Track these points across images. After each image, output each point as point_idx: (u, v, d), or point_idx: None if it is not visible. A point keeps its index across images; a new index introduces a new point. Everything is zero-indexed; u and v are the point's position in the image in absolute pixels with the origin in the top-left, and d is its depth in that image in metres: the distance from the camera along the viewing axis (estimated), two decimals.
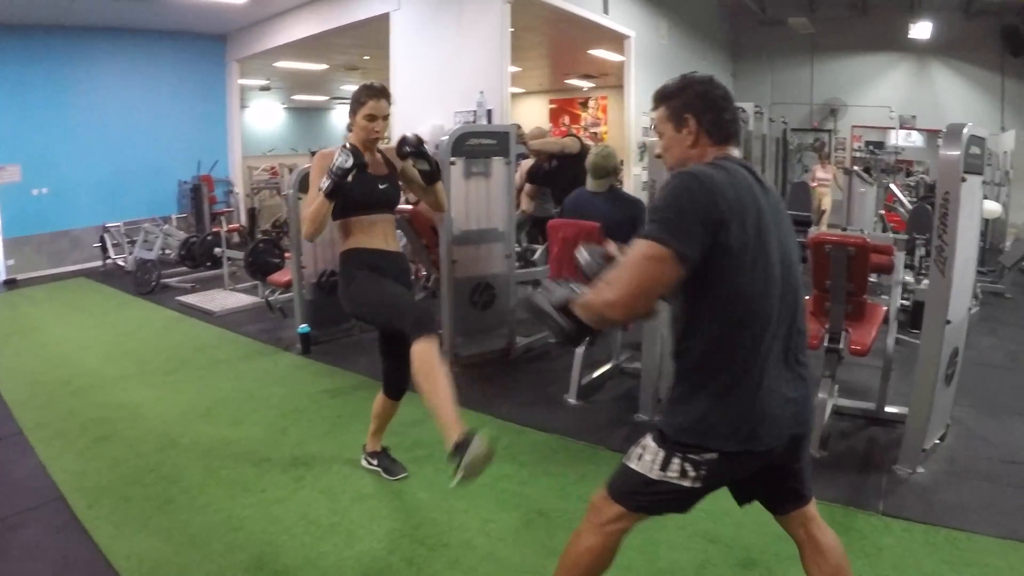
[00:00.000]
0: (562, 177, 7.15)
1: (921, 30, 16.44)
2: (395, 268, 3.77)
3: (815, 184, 14.73)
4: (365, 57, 15.12)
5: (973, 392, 5.49)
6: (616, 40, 13.26)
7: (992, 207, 11.60)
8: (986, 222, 12.95)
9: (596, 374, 5.57)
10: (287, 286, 6.77)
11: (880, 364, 4.95)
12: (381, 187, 3.71)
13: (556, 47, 15.40)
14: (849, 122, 18.83)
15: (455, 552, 3.27)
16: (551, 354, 6.16)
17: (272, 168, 14.37)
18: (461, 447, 2.93)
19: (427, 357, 3.22)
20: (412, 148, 3.73)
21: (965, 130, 4.02)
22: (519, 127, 8.48)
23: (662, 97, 2.36)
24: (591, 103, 20.56)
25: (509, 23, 9.91)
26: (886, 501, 3.88)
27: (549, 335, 2.66)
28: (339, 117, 25.16)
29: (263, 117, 22.82)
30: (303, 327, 6.35)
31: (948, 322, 4.10)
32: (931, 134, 18.35)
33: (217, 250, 9.19)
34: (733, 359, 2.14)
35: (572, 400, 5.19)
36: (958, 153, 3.95)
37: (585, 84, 19.95)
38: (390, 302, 3.54)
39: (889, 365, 4.85)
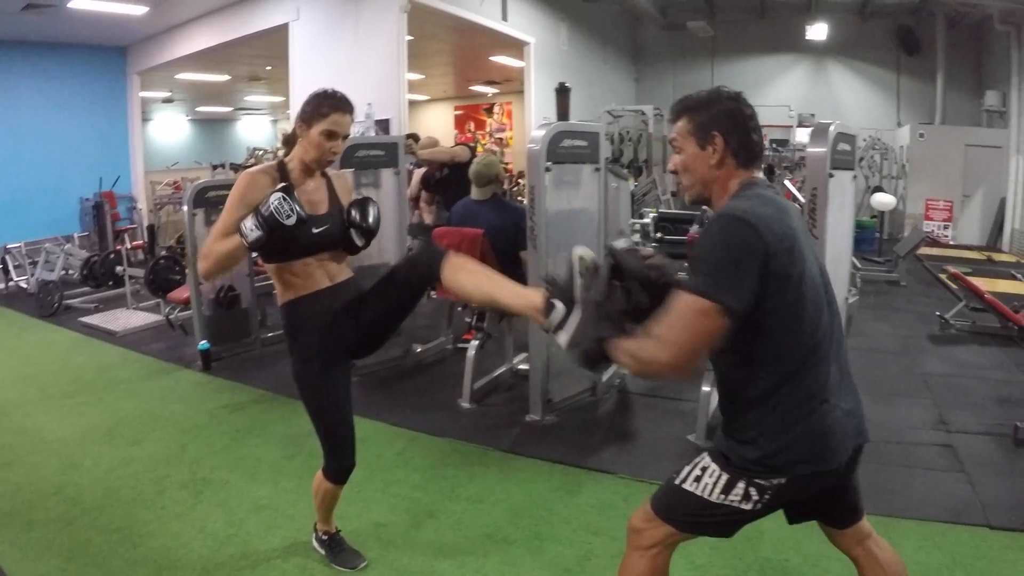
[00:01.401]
0: (453, 185, 7.32)
1: (818, 31, 17.02)
2: (342, 300, 3.11)
3: None
4: (267, 68, 15.16)
5: (864, 377, 5.75)
6: (516, 46, 13.50)
7: (886, 199, 12.07)
8: (882, 213, 13.47)
9: (489, 378, 5.71)
10: (187, 303, 6.79)
11: None
12: (316, 231, 2.99)
13: (458, 54, 15.55)
14: None
15: None
16: (447, 360, 6.33)
17: (175, 183, 14.24)
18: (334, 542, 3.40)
19: (329, 495, 3.27)
20: (363, 221, 3.08)
21: (831, 128, 4.30)
22: (414, 137, 8.63)
23: (685, 109, 2.23)
24: (496, 109, 20.77)
25: (405, 32, 10.05)
26: None
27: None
28: (244, 128, 24.95)
29: (166, 130, 22.48)
30: (203, 344, 6.38)
31: None
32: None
33: (119, 268, 9.09)
34: (801, 385, 2.06)
35: (465, 404, 5.34)
36: (824, 150, 4.22)
37: (490, 90, 20.12)
38: (326, 427, 3.15)
39: None
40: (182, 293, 7.06)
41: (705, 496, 2.12)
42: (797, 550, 3.42)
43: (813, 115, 19.04)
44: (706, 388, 4.63)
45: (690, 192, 2.25)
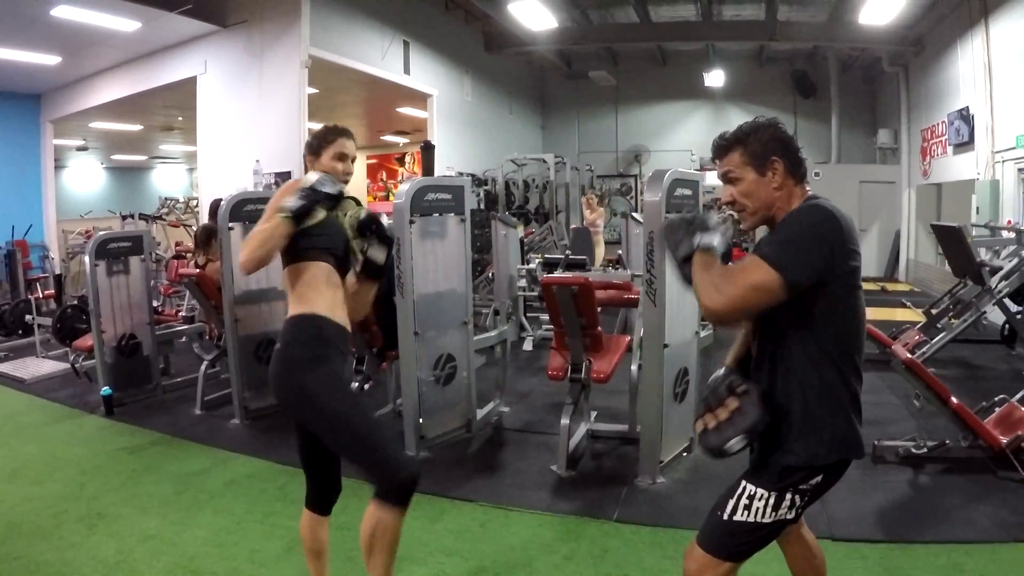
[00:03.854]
0: None
1: (715, 78, 17.75)
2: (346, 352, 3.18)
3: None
4: (180, 118, 15.42)
5: None
6: (421, 98, 13.95)
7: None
8: None
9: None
10: (92, 351, 7.01)
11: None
12: (350, 243, 3.19)
13: (366, 106, 15.89)
14: (653, 166, 19.97)
15: None
16: None
17: (87, 232, 14.41)
18: None
19: (390, 533, 3.03)
20: (379, 229, 3.18)
21: (666, 177, 4.76)
22: None
23: (735, 141, 2.37)
24: (408, 158, 21.07)
25: (306, 86, 10.47)
26: (621, 509, 4.53)
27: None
28: (160, 176, 25.09)
29: (81, 178, 22.44)
30: (105, 390, 6.63)
31: (666, 346, 4.79)
32: None
33: (28, 317, 9.28)
34: (850, 375, 2.31)
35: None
36: (659, 197, 4.69)
37: (401, 140, 20.53)
38: (368, 438, 2.99)
39: (636, 389, 5.35)
40: (87, 341, 7.26)
41: (758, 520, 2.30)
42: (638, 565, 3.85)
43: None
44: (565, 421, 5.04)
45: (752, 217, 2.39)
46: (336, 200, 3.03)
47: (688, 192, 5.08)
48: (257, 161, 10.62)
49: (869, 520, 4.31)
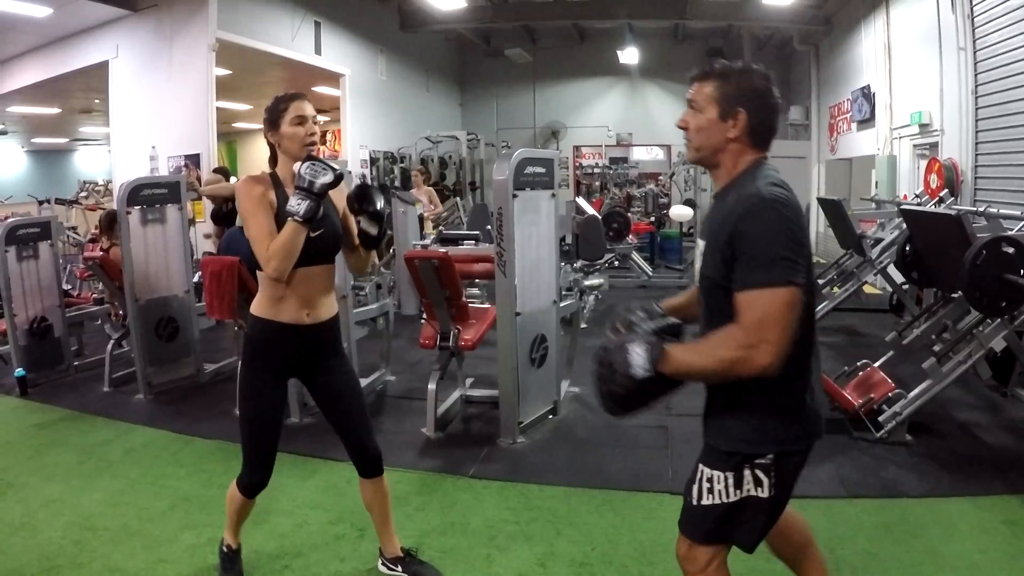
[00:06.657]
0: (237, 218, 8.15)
1: (629, 55, 18.14)
2: (305, 346, 3.24)
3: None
4: (96, 100, 15.54)
5: None
6: (334, 78, 14.20)
7: (683, 212, 13.30)
8: (681, 224, 14.74)
9: None
10: (4, 334, 7.23)
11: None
12: (313, 234, 3.02)
13: (282, 86, 15.91)
14: (570, 142, 20.50)
15: (112, 532, 4.25)
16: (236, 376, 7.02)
17: (6, 217, 14.53)
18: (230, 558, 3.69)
19: (237, 504, 3.53)
20: (369, 206, 3.09)
21: (514, 156, 5.12)
22: (222, 172, 9.50)
23: (715, 73, 2.20)
24: (329, 136, 21.14)
25: (214, 69, 10.81)
26: (478, 466, 5.03)
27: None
28: (82, 158, 25.09)
29: (1, 163, 22.38)
30: (19, 371, 6.94)
31: (518, 314, 5.19)
32: (667, 148, 20.45)
33: None
34: (807, 359, 2.20)
35: (238, 411, 6.11)
36: (506, 176, 5.04)
37: (321, 118, 20.46)
38: (249, 439, 3.41)
39: None
40: (0, 326, 7.44)
41: (724, 501, 2.23)
42: (481, 514, 4.37)
43: (631, 134, 20.38)
44: (432, 386, 5.54)
45: (696, 154, 2.27)
46: (337, 183, 2.96)
47: (541, 170, 5.40)
48: (153, 147, 11.01)
49: None
